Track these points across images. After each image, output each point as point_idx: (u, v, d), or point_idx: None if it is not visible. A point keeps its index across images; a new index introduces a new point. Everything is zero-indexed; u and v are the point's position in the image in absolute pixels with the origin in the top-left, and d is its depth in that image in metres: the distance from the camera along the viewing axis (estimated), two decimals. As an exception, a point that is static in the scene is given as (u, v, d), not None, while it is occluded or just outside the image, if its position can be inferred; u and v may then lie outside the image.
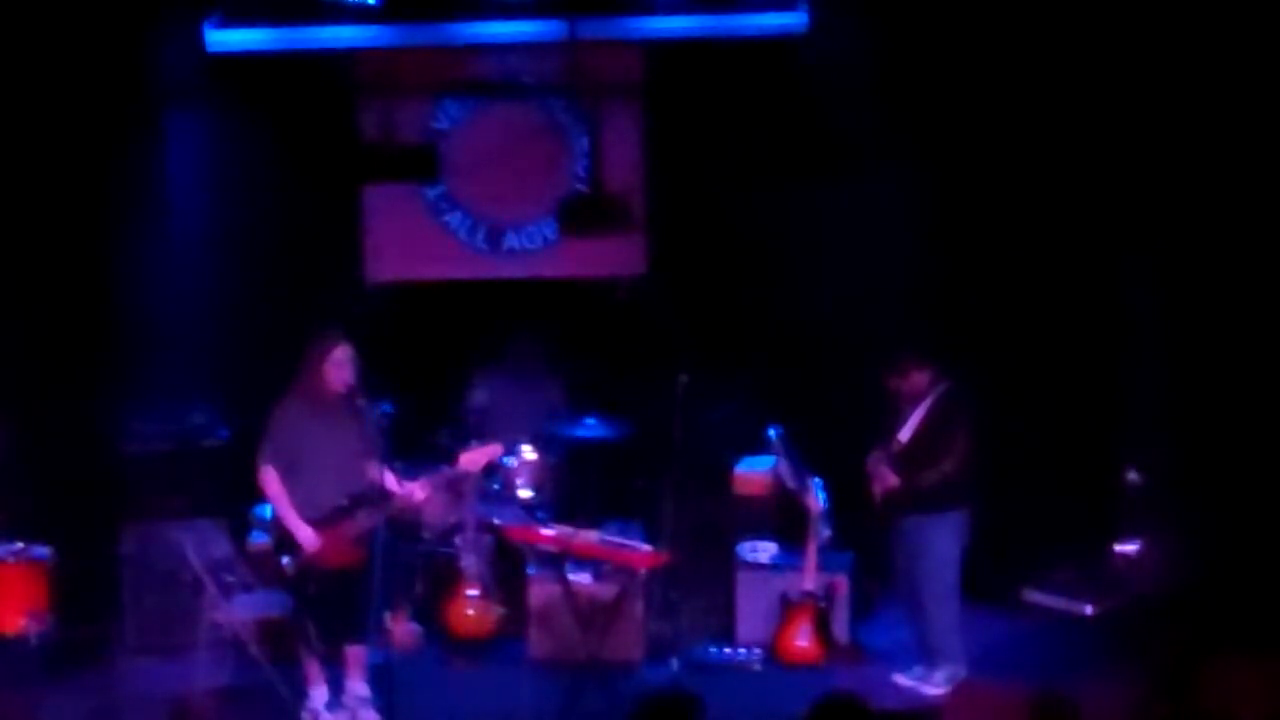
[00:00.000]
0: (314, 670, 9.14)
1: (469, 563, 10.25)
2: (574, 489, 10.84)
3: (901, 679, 9.60)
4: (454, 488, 10.35)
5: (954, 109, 10.82)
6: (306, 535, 8.91)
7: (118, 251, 10.99)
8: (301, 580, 8.99)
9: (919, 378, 9.54)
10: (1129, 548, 10.70)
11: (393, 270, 11.91)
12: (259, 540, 10.28)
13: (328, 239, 11.70)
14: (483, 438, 10.48)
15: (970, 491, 9.53)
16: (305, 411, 8.99)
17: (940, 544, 9.49)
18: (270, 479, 8.96)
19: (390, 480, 9.08)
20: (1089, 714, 8.56)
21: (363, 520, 8.93)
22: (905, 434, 9.56)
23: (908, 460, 9.53)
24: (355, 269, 11.84)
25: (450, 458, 9.50)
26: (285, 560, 8.98)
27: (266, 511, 10.32)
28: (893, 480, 9.53)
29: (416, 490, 9.18)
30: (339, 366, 8.96)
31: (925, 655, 9.62)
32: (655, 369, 10.27)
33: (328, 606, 8.98)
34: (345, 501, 8.95)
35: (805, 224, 11.11)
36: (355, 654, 9.16)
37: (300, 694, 9.21)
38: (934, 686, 9.47)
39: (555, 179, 11.86)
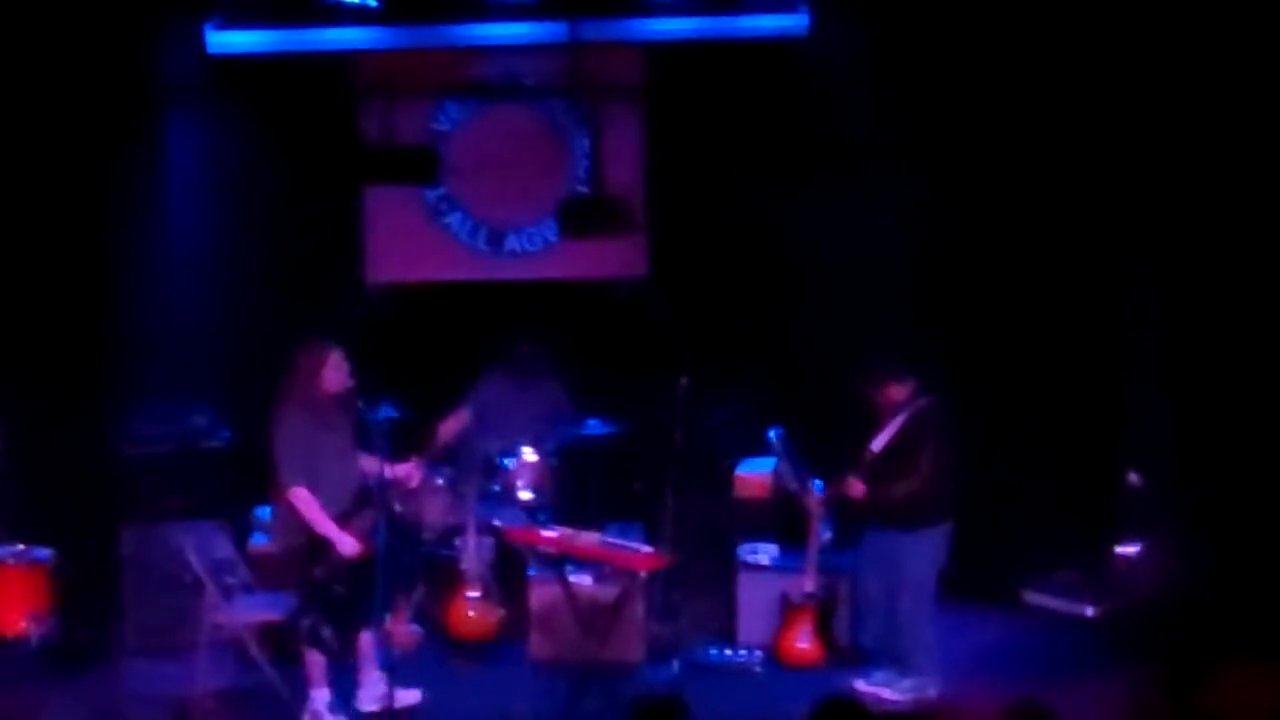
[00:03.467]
0: (317, 671, 9.14)
1: (470, 564, 10.25)
2: (575, 490, 10.83)
3: (862, 684, 9.51)
4: (455, 489, 10.37)
5: (955, 111, 10.83)
6: (349, 544, 8.94)
7: (118, 252, 11.01)
8: (329, 584, 9.00)
9: (896, 390, 9.49)
10: (1130, 549, 10.71)
11: (393, 272, 11.91)
12: (260, 542, 10.29)
13: (328, 240, 11.70)
14: (485, 439, 10.53)
15: (946, 508, 9.46)
16: (309, 421, 9.01)
17: (915, 562, 9.43)
18: (304, 497, 8.93)
19: (385, 469, 9.09)
20: (1091, 715, 8.61)
21: (369, 514, 8.99)
22: (877, 445, 9.54)
23: (876, 473, 9.50)
24: (355, 270, 11.84)
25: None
26: (317, 569, 8.97)
27: (268, 513, 10.34)
28: (859, 490, 9.51)
29: (411, 472, 9.35)
30: (337, 370, 9.02)
31: (895, 663, 9.56)
32: (656, 371, 10.26)
33: (350, 602, 9.00)
34: (354, 498, 9.00)
35: (806, 226, 11.10)
36: (368, 642, 9.19)
37: (301, 695, 9.21)
38: (898, 693, 9.39)
39: (556, 180, 11.86)
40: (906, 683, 9.43)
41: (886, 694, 9.38)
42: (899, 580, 9.47)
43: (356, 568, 8.96)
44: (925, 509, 9.41)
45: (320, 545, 8.95)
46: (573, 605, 9.56)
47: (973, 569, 10.40)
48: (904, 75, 10.78)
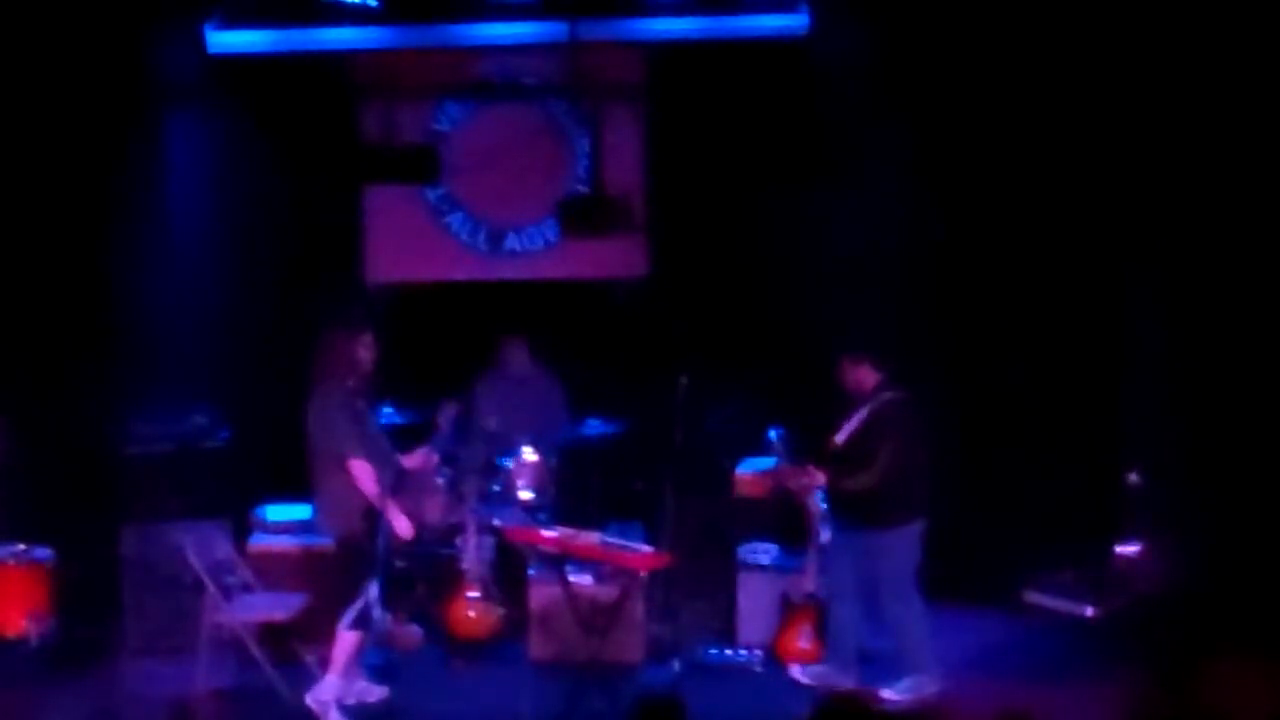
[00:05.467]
0: (344, 657, 9.11)
1: (470, 564, 10.25)
2: (575, 490, 10.83)
3: (804, 678, 9.61)
4: (454, 489, 10.37)
5: (955, 111, 10.83)
6: (403, 525, 9.04)
7: (118, 252, 11.00)
8: (389, 558, 9.09)
9: (866, 377, 9.44)
10: (1130, 549, 10.71)
11: (393, 271, 11.91)
12: (260, 542, 10.28)
13: (328, 239, 11.70)
14: (486, 439, 10.56)
15: (915, 508, 9.36)
16: (352, 398, 9.11)
17: (888, 563, 9.37)
18: (364, 470, 8.99)
19: (401, 459, 9.34)
20: (1091, 715, 8.61)
21: (405, 499, 9.21)
22: (842, 435, 9.53)
23: (838, 462, 9.48)
24: (355, 270, 11.85)
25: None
26: (379, 541, 8.98)
27: (268, 513, 10.35)
28: (819, 480, 9.51)
29: (427, 459, 9.50)
30: (370, 349, 9.16)
31: (894, 662, 9.53)
32: (656, 370, 10.26)
33: (407, 577, 9.26)
34: (396, 477, 9.13)
35: (806, 225, 11.10)
36: (356, 640, 9.23)
37: (300, 692, 9.18)
38: (897, 693, 9.33)
39: (556, 180, 11.86)
40: (904, 682, 9.40)
41: (886, 694, 9.36)
42: (877, 582, 9.43)
43: (409, 543, 9.12)
44: (891, 507, 9.33)
45: (377, 519, 8.97)
46: (573, 605, 9.55)
47: (973, 569, 10.41)
48: (904, 75, 10.78)
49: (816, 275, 11.05)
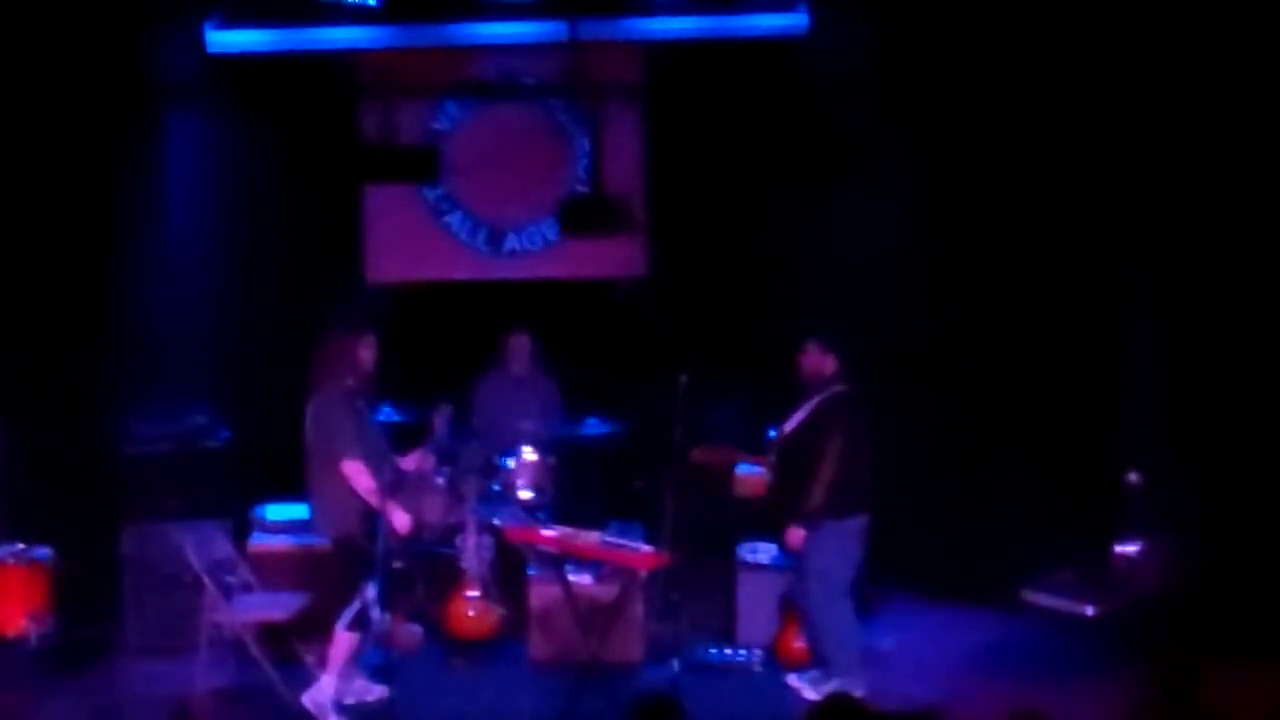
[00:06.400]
0: (341, 657, 9.13)
1: (470, 564, 10.25)
2: (574, 490, 10.84)
3: (793, 679, 9.58)
4: (454, 488, 10.37)
5: (955, 111, 10.82)
6: (401, 520, 9.06)
7: (118, 252, 11.01)
8: (388, 558, 9.06)
9: (828, 365, 9.43)
10: (1130, 549, 10.69)
11: (393, 271, 11.92)
12: (260, 542, 10.29)
13: (328, 239, 11.71)
14: (485, 439, 10.55)
15: (855, 502, 9.30)
16: (352, 399, 9.13)
17: (819, 556, 9.31)
18: (360, 471, 9.00)
19: (399, 461, 9.36)
20: (1091, 715, 8.60)
21: (404, 498, 9.23)
22: (790, 424, 9.51)
23: (783, 454, 9.47)
24: (355, 269, 11.85)
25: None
26: (377, 543, 8.96)
27: (268, 513, 10.35)
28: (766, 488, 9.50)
29: (423, 460, 9.51)
30: (370, 349, 9.17)
31: (819, 663, 9.50)
32: (655, 370, 10.24)
33: (407, 576, 9.27)
34: (394, 476, 9.13)
35: (805, 225, 11.11)
36: (353, 641, 9.23)
37: (304, 687, 9.18)
38: (819, 694, 9.20)
39: (556, 180, 11.87)
40: (830, 685, 9.23)
41: (808, 693, 9.31)
42: (804, 575, 9.40)
43: (408, 543, 9.14)
44: (831, 504, 9.28)
45: (375, 521, 8.96)
46: (573, 605, 9.56)
47: (973, 569, 10.40)
48: (903, 75, 10.78)
49: (816, 274, 11.05)
